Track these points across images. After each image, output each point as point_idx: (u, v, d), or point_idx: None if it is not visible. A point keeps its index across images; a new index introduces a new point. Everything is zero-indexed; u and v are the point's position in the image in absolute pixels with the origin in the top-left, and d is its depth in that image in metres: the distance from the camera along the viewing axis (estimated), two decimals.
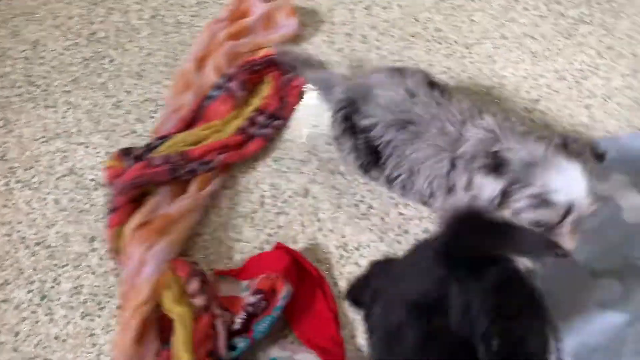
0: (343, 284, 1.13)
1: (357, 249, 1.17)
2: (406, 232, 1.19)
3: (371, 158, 1.12)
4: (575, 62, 1.45)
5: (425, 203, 1.12)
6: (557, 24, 1.52)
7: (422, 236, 1.18)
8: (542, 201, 0.91)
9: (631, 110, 1.35)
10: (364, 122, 1.10)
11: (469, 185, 0.99)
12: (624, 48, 1.46)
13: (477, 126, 1.02)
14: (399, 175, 1.10)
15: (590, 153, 0.97)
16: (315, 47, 1.50)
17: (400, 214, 1.21)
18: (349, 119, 1.13)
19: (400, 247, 1.17)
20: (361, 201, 1.23)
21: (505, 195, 0.93)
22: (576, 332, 1.06)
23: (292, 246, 1.16)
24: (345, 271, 1.14)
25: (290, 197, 1.24)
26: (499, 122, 1.01)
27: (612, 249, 1.13)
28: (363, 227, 1.20)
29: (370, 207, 1.23)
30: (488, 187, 0.94)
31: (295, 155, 1.30)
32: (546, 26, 1.52)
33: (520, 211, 0.93)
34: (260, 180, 1.27)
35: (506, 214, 0.95)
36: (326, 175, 1.26)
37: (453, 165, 1.02)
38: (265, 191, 1.25)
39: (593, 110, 1.35)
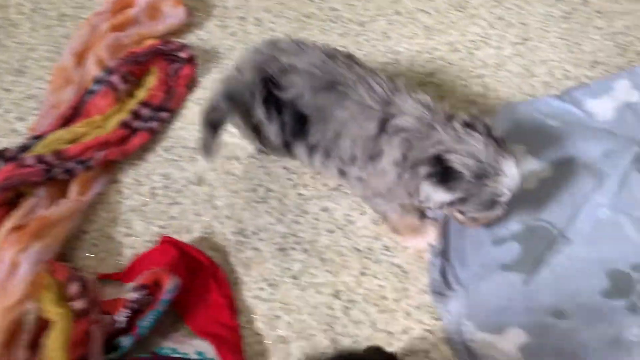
0: (241, 270, 1.09)
1: (255, 233, 1.14)
2: (305, 212, 1.17)
3: (297, 129, 1.04)
4: (467, 33, 1.46)
5: (342, 173, 1.06)
6: None
7: (321, 215, 1.16)
8: (491, 204, 0.94)
9: (522, 77, 1.38)
10: (289, 95, 1.01)
11: (402, 163, 0.96)
12: (514, 17, 1.50)
13: (413, 98, 0.98)
14: (324, 138, 1.03)
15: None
16: (207, 32, 1.45)
17: (299, 194, 1.19)
18: (271, 96, 1.03)
19: (299, 228, 1.15)
20: (259, 185, 1.20)
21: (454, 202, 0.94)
22: (476, 295, 1.07)
23: (186, 236, 1.12)
24: (244, 257, 1.11)
25: (183, 186, 1.20)
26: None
27: (513, 216, 1.15)
28: (261, 211, 1.17)
29: (269, 190, 1.20)
30: (439, 197, 0.94)
31: (187, 143, 1.26)
32: (439, 0, 1.53)
33: (466, 213, 0.97)
34: (151, 172, 1.22)
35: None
36: (222, 161, 1.22)
37: (383, 129, 0.97)
38: (156, 182, 1.20)
39: (486, 79, 1.37)
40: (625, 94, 1.34)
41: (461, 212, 0.99)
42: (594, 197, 1.17)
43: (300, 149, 1.07)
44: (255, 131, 1.10)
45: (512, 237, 1.14)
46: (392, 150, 0.96)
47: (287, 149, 1.09)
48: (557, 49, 1.43)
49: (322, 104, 1.00)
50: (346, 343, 1.01)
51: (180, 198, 1.18)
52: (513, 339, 1.02)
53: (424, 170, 0.93)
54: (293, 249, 1.12)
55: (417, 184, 0.95)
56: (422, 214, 1.11)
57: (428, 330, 1.03)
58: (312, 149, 1.05)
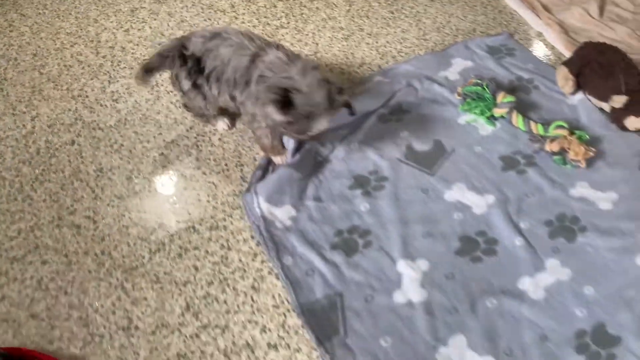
0: (98, 191, 1.56)
1: (110, 169, 1.62)
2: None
3: (196, 68, 1.50)
4: None
5: (233, 98, 1.52)
6: (265, 30, 2.16)
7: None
8: (303, 132, 1.41)
9: None
10: (190, 50, 1.51)
11: (258, 83, 1.40)
12: (309, 40, 2.13)
13: (279, 49, 1.45)
14: (215, 68, 1.48)
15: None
16: (84, 56, 1.99)
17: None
18: (182, 54, 1.52)
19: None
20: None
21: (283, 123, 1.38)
22: (267, 181, 1.55)
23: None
24: (101, 183, 1.58)
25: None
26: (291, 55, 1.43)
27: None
28: (111, 154, 1.65)
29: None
30: (274, 117, 1.37)
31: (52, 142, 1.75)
32: (257, 31, 2.15)
33: (288, 132, 1.43)
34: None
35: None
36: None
37: (252, 62, 1.41)
38: None
39: None
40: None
41: (285, 129, 1.44)
42: (350, 138, 1.74)
43: (201, 82, 1.53)
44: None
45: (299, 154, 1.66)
46: (254, 75, 1.42)
47: (194, 87, 1.55)
48: (337, 57, 2.06)
49: (210, 47, 1.50)
50: (176, 223, 1.48)
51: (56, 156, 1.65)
52: (286, 212, 1.53)
53: (270, 95, 1.34)
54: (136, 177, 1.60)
55: (266, 104, 1.37)
56: (281, 141, 1.62)
57: (229, 215, 1.52)
58: (208, 78, 1.52)
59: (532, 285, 1.40)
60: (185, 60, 1.53)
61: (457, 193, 1.61)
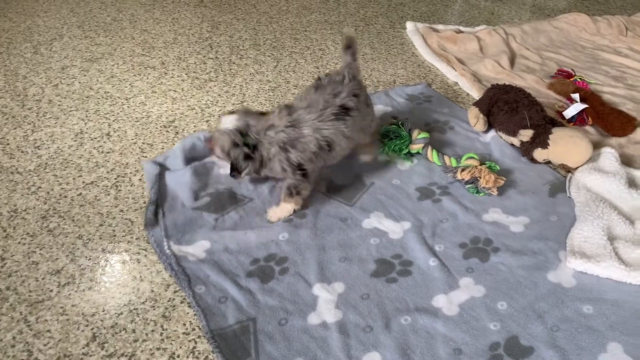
0: None
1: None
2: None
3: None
4: (202, 100, 2.15)
5: None
6: (193, 83, 2.24)
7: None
8: None
9: None
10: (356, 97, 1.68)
11: None
12: (237, 91, 2.22)
13: None
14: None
15: None
16: (9, 108, 2.01)
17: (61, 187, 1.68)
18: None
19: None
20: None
21: None
22: (173, 223, 1.56)
23: None
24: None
25: None
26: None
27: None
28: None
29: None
30: None
31: None
32: (185, 85, 2.23)
33: None
34: None
35: None
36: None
37: None
38: None
39: (211, 123, 2.02)
40: None
41: None
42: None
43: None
44: None
45: (206, 194, 1.69)
46: None
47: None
48: (264, 105, 2.14)
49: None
50: (88, 259, 1.45)
51: None
52: (200, 246, 1.52)
53: None
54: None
55: None
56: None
57: (144, 249, 1.50)
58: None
59: (447, 303, 1.42)
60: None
61: (374, 220, 1.65)
